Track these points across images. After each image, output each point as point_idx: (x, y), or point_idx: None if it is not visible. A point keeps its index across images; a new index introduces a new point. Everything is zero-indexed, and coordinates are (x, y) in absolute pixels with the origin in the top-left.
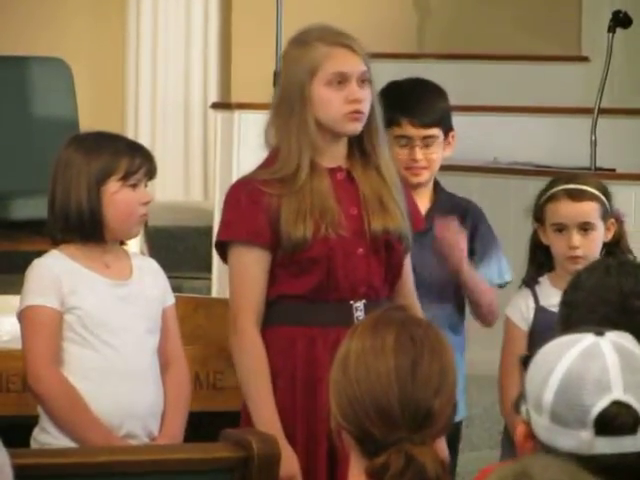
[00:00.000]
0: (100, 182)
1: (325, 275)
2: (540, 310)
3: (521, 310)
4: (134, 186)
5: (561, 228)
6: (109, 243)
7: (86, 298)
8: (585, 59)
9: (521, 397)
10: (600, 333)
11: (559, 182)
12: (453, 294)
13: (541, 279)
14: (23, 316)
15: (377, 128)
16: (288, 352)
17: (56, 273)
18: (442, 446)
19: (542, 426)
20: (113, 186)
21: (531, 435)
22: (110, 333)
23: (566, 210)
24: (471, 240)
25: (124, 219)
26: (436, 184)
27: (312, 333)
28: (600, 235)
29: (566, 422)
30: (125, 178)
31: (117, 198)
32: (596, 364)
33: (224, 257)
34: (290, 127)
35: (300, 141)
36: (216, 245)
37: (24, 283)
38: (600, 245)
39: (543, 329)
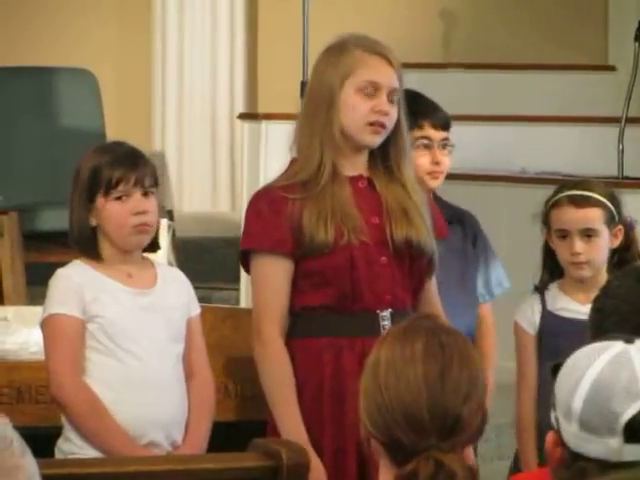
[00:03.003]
0: (90, 198)
1: (349, 284)
2: (547, 314)
3: (527, 315)
4: (121, 198)
5: (564, 234)
6: (130, 253)
7: (108, 307)
8: (612, 68)
9: (551, 404)
10: (629, 340)
11: (565, 188)
12: (465, 304)
13: (551, 285)
14: (45, 325)
15: (404, 147)
16: (315, 363)
17: (78, 282)
18: (469, 453)
19: (571, 433)
20: (100, 201)
21: (560, 442)
22: (132, 342)
23: (568, 216)
24: (472, 247)
25: (116, 232)
26: (434, 194)
27: (339, 344)
28: (605, 241)
29: (595, 429)
30: (107, 193)
31: (105, 213)
32: (625, 371)
33: (247, 267)
34: (314, 128)
35: (323, 142)
36: (239, 255)
37: (47, 293)
38: (605, 251)
39: (550, 333)
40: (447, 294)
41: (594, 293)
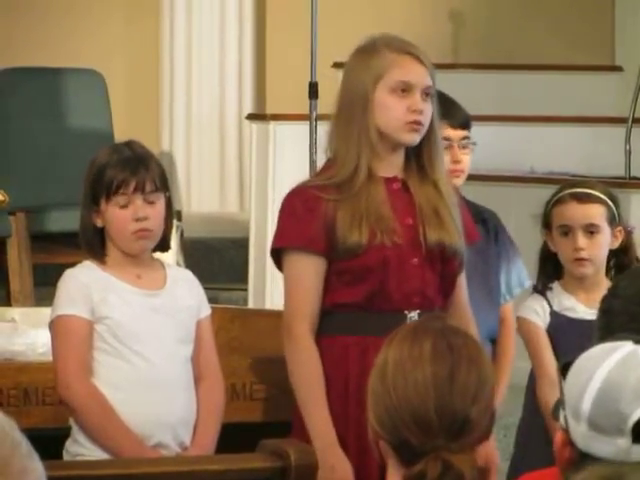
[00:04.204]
0: (94, 200)
1: (378, 284)
2: (553, 315)
3: (537, 312)
4: (123, 204)
5: (567, 231)
6: (136, 255)
7: (116, 308)
8: (619, 68)
9: (559, 404)
10: (639, 341)
11: (566, 187)
12: (489, 304)
13: (552, 285)
14: (54, 326)
15: (436, 143)
16: (341, 361)
17: (86, 283)
18: (492, 450)
19: (580, 433)
20: (103, 205)
21: (569, 442)
22: (141, 343)
23: (572, 212)
24: (495, 246)
25: (118, 236)
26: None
27: (365, 343)
28: (606, 239)
29: (604, 429)
30: (108, 197)
31: (107, 217)
32: (634, 372)
33: (279, 264)
34: (351, 132)
35: (360, 146)
36: (271, 252)
37: (56, 293)
38: (606, 249)
39: (558, 333)
40: (470, 295)
41: (595, 292)
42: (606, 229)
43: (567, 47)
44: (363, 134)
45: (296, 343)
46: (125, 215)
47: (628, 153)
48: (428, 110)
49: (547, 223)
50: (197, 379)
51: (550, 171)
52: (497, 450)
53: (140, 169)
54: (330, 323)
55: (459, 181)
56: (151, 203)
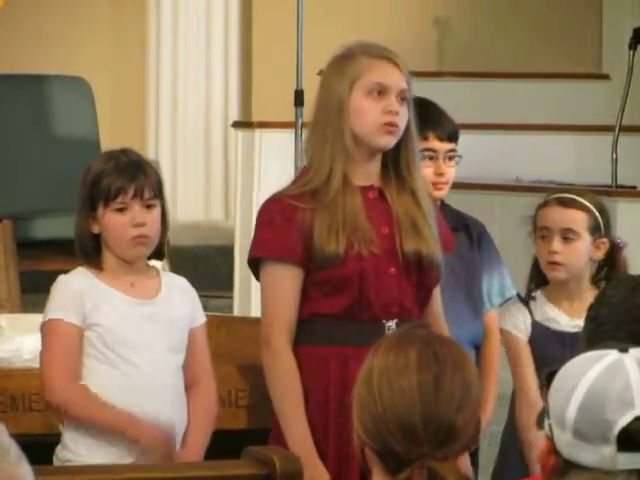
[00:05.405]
0: (91, 207)
1: (357, 294)
2: (535, 325)
3: (517, 323)
4: (121, 210)
5: (545, 234)
6: (132, 262)
7: (107, 315)
8: (606, 77)
9: (544, 412)
10: (624, 349)
11: (556, 192)
12: (471, 310)
13: (536, 294)
14: (44, 329)
15: (413, 150)
16: (321, 371)
17: (78, 290)
18: (465, 462)
19: (565, 441)
20: (100, 211)
21: (554, 450)
22: (131, 351)
23: (552, 215)
24: (477, 252)
25: (115, 243)
26: (441, 201)
27: (345, 352)
28: (584, 247)
29: (589, 438)
30: (107, 203)
31: (104, 223)
32: (619, 380)
33: (257, 274)
34: (325, 136)
35: (334, 151)
36: (249, 262)
37: (48, 298)
38: (584, 258)
39: (539, 343)
40: (453, 302)
41: (578, 302)
42: (586, 237)
43: (554, 55)
44: (338, 139)
45: (274, 353)
46: (123, 221)
47: (615, 161)
48: (404, 113)
49: (535, 227)
50: (190, 385)
51: (536, 179)
52: (472, 464)
53: (139, 175)
54: (309, 333)
55: (442, 193)
56: (149, 209)
